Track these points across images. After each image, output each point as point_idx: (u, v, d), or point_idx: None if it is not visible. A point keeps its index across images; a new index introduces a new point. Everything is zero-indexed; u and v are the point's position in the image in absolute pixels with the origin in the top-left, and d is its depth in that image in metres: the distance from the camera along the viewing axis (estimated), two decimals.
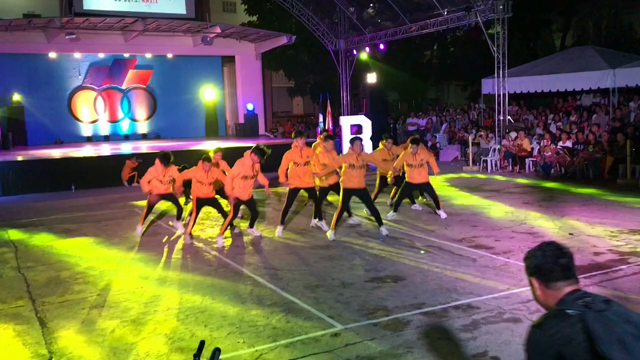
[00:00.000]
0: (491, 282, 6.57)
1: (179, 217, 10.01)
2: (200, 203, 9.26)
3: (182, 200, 10.47)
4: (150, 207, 9.69)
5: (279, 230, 9.38)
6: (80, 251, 8.85)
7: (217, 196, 9.68)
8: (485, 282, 6.58)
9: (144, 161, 14.59)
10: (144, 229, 9.80)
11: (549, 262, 2.20)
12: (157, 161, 9.51)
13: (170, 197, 9.80)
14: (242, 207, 9.39)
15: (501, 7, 17.27)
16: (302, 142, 9.39)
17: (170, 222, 10.40)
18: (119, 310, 6.15)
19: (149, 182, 9.44)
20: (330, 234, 8.96)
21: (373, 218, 9.32)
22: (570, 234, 8.77)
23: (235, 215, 9.27)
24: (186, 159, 12.70)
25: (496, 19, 17.58)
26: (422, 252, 7.63)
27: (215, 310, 6.03)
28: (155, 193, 9.50)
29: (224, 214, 9.39)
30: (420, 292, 6.34)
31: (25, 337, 5.48)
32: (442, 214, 10.29)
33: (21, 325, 5.79)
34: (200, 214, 9.82)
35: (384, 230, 9.06)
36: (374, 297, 6.22)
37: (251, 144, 18.74)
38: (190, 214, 9.41)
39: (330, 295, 6.34)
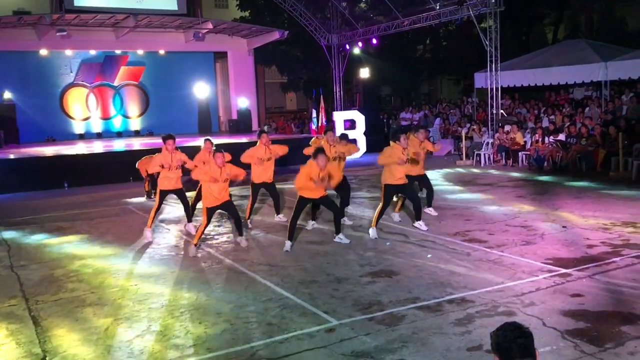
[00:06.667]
0: (485, 276, 6.58)
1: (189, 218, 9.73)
2: (164, 194, 9.27)
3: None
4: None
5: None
6: (74, 249, 8.81)
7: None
8: (480, 276, 6.59)
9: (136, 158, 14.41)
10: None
11: (508, 342, 2.39)
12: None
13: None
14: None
15: (493, 0, 17.28)
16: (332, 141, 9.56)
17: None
18: (113, 307, 6.13)
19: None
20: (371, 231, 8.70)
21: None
22: (564, 226, 8.80)
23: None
24: None
25: (488, 12, 17.59)
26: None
27: (209, 307, 6.02)
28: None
29: (187, 206, 9.45)
30: (414, 286, 6.35)
31: (18, 336, 5.46)
32: (343, 240, 8.53)
33: (14, 324, 5.76)
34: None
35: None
36: (369, 292, 6.23)
37: (245, 139, 18.78)
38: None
39: (324, 291, 6.35)
